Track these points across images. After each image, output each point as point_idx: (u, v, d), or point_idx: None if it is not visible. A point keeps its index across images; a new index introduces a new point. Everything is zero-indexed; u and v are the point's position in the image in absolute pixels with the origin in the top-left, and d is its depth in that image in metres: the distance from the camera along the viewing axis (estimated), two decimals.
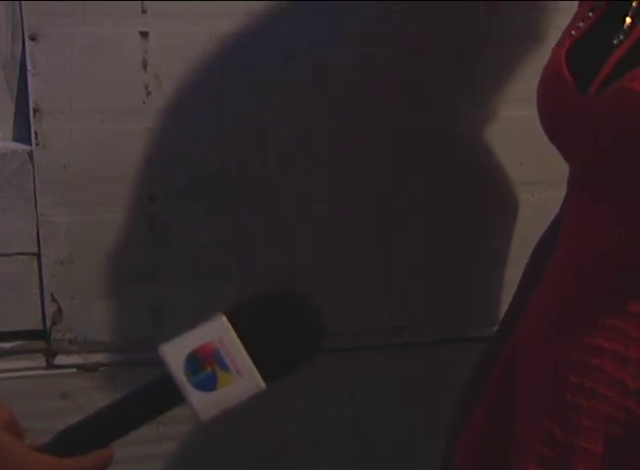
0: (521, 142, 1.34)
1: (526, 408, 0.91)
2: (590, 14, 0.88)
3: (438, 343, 1.44)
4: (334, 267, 1.35)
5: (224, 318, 0.75)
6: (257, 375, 0.75)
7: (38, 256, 1.27)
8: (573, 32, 0.88)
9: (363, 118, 1.31)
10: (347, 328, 1.37)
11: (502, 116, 1.34)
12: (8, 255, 1.26)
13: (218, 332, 0.74)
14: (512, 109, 1.33)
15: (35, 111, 1.21)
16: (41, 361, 1.32)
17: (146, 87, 1.22)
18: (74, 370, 1.33)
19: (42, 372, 1.32)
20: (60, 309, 1.29)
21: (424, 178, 1.36)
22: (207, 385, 0.74)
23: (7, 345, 1.30)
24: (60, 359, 1.32)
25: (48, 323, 1.30)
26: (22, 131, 1.23)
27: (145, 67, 1.22)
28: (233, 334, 0.74)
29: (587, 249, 0.86)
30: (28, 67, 1.19)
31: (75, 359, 1.32)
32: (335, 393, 1.44)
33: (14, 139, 1.24)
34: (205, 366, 0.74)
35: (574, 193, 0.91)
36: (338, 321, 1.32)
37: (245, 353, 0.74)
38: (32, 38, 1.18)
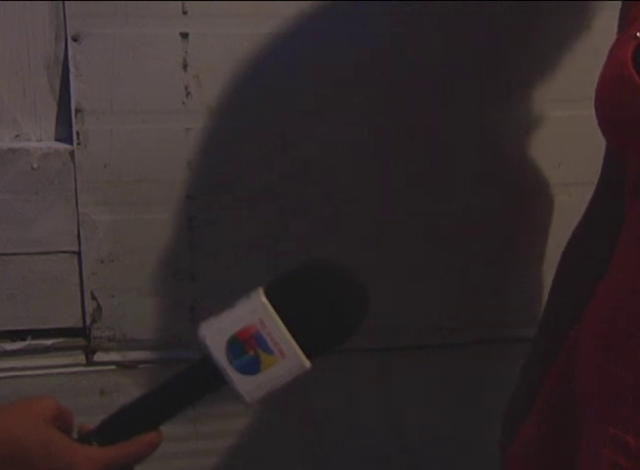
0: (559, 143, 1.34)
1: (589, 417, 0.89)
2: None
3: (474, 343, 1.44)
4: (368, 268, 1.34)
5: (264, 299, 0.74)
6: (302, 355, 0.73)
7: (79, 254, 1.28)
8: (638, 34, 0.84)
9: (399, 119, 1.31)
10: (382, 328, 1.37)
11: (540, 116, 1.33)
12: (49, 253, 1.28)
13: (259, 313, 0.73)
14: (551, 109, 1.32)
15: (77, 111, 1.22)
16: (81, 358, 1.34)
17: (186, 88, 1.23)
18: (113, 367, 1.34)
19: (81, 369, 1.34)
20: (99, 307, 1.31)
21: (458, 179, 1.35)
22: (251, 368, 0.73)
23: (47, 342, 1.31)
24: (99, 357, 1.33)
25: (88, 321, 1.31)
26: (64, 131, 1.25)
27: (185, 67, 1.23)
28: (274, 315, 0.73)
29: None
30: (71, 68, 1.20)
31: (114, 357, 1.34)
32: (370, 393, 1.44)
33: (56, 139, 1.25)
34: (247, 350, 0.73)
35: (634, 202, 0.88)
36: (372, 321, 1.33)
37: (287, 334, 0.73)
38: (75, 39, 1.19)
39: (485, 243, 1.39)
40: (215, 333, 0.74)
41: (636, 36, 0.84)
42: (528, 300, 1.42)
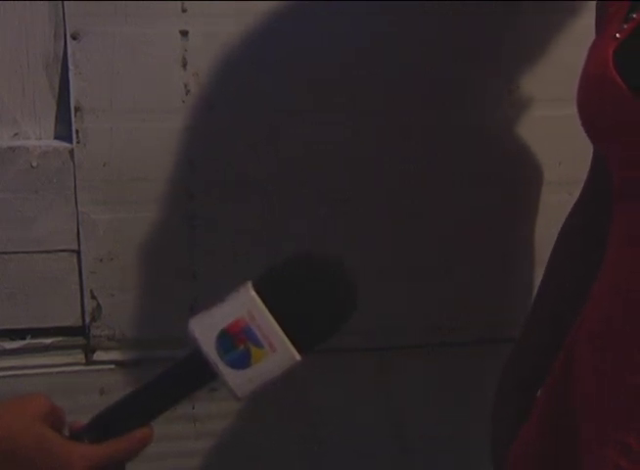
0: (559, 141, 1.34)
1: (589, 417, 0.89)
2: (634, 15, 0.84)
3: (474, 343, 1.44)
4: (367, 267, 1.34)
5: (253, 292, 0.73)
6: (292, 348, 0.73)
7: (78, 253, 1.28)
8: (618, 35, 0.84)
9: (394, 119, 1.31)
10: (381, 328, 1.37)
11: (540, 115, 1.33)
12: (49, 251, 1.27)
13: (248, 307, 0.73)
14: (550, 108, 1.32)
15: (76, 109, 1.22)
16: (80, 357, 1.33)
17: (185, 86, 1.23)
18: (113, 366, 1.34)
19: (81, 368, 1.33)
20: (99, 306, 1.30)
21: (458, 179, 1.35)
22: (241, 362, 0.73)
23: (46, 340, 1.31)
24: (98, 356, 1.33)
25: (87, 320, 1.31)
26: (64, 129, 1.25)
27: (185, 65, 1.23)
28: (263, 308, 0.73)
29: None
30: (70, 66, 1.21)
31: (114, 356, 1.33)
32: (369, 392, 1.44)
33: (55, 137, 1.25)
34: (237, 344, 0.72)
35: (618, 202, 0.88)
36: (372, 321, 1.33)
37: (277, 327, 0.73)
38: (74, 37, 1.19)
39: (485, 243, 1.39)
40: (205, 327, 0.74)
41: (616, 37, 0.84)
42: (528, 300, 1.42)
